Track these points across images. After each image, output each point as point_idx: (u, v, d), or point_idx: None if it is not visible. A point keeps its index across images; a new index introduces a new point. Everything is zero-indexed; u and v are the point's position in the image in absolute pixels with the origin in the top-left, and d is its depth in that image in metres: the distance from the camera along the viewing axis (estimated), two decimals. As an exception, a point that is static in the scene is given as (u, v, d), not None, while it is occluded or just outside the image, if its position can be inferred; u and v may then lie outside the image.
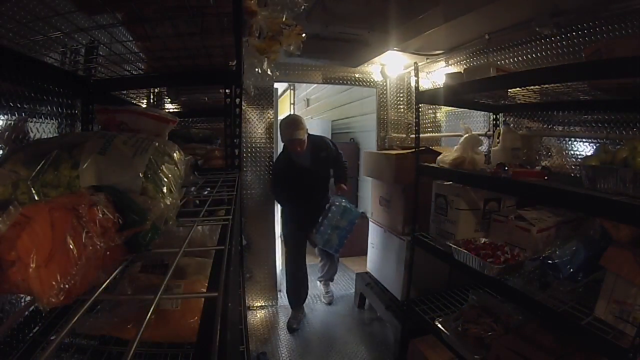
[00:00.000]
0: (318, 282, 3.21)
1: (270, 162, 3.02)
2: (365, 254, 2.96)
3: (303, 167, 2.64)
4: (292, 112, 6.71)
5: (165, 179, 0.58)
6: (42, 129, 0.96)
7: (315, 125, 5.03)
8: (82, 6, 0.85)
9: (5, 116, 0.82)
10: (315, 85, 5.08)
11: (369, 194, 2.96)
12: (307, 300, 2.99)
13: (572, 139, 1.79)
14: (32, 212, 0.34)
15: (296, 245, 2.78)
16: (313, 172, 2.68)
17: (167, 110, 1.94)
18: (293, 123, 2.54)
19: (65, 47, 1.03)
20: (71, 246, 0.36)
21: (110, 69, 1.16)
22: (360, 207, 4.39)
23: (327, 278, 3.15)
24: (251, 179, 2.97)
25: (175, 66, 1.22)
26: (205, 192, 1.04)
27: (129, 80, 1.26)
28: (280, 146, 4.80)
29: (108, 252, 0.42)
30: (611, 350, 1.01)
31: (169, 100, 1.92)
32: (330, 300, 3.10)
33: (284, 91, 6.65)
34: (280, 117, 2.94)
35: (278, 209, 3.13)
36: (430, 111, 3.10)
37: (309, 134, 2.63)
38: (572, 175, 1.75)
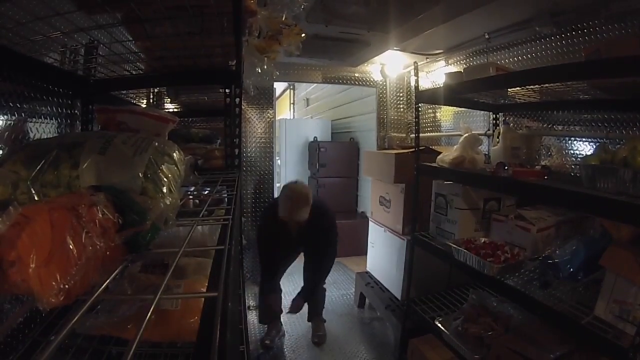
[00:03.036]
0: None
1: (271, 163, 3.02)
2: (365, 253, 2.96)
3: (298, 241, 2.25)
4: (292, 112, 6.71)
5: (165, 179, 0.58)
6: (42, 129, 0.96)
7: (315, 125, 5.04)
8: (81, 6, 0.85)
9: (5, 116, 0.82)
10: (315, 84, 5.07)
11: (369, 193, 2.96)
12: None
13: (572, 139, 1.79)
14: (32, 212, 0.34)
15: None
16: (302, 247, 2.36)
17: (167, 110, 1.94)
18: (301, 198, 2.07)
19: (65, 47, 1.03)
20: (71, 246, 0.36)
21: (110, 68, 1.16)
22: (360, 207, 4.40)
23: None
24: (251, 178, 2.98)
25: (175, 66, 1.22)
26: (205, 192, 1.04)
27: (129, 80, 1.26)
28: (279, 146, 4.82)
29: (108, 252, 0.42)
30: (611, 349, 1.01)
31: (169, 100, 1.92)
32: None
33: (284, 91, 6.65)
34: (279, 117, 2.94)
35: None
36: (430, 111, 3.10)
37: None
38: (572, 174, 1.75)
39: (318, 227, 2.20)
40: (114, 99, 1.39)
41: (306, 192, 2.11)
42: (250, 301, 2.98)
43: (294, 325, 2.71)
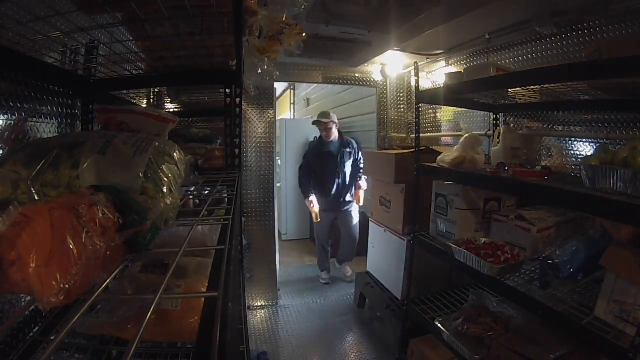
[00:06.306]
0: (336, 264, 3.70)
1: (271, 162, 3.02)
2: (365, 253, 2.96)
3: (330, 153, 3.32)
4: (292, 112, 6.75)
5: (165, 179, 0.58)
6: (42, 129, 0.96)
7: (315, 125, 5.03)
8: (82, 6, 0.85)
9: (5, 116, 0.82)
10: (315, 84, 5.07)
11: (369, 193, 2.96)
12: (305, 301, 3.07)
13: (572, 139, 1.79)
14: (32, 211, 0.34)
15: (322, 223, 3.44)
16: (337, 161, 3.32)
17: (167, 110, 1.94)
18: (322, 113, 3.37)
19: (65, 46, 1.02)
20: (71, 246, 0.36)
21: (110, 68, 1.16)
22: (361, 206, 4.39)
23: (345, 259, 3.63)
24: (251, 178, 2.97)
25: (175, 66, 1.22)
26: (205, 192, 1.04)
27: (129, 79, 1.25)
28: (279, 146, 4.83)
29: (108, 252, 0.42)
30: (611, 349, 1.01)
31: (169, 99, 1.92)
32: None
33: (284, 91, 6.65)
34: (280, 117, 2.95)
35: (277, 208, 3.13)
36: (430, 111, 3.10)
37: (340, 132, 3.42)
38: (572, 175, 1.75)
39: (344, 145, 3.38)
40: (114, 99, 1.39)
41: (326, 111, 3.39)
42: (250, 301, 2.99)
43: (294, 324, 2.72)
